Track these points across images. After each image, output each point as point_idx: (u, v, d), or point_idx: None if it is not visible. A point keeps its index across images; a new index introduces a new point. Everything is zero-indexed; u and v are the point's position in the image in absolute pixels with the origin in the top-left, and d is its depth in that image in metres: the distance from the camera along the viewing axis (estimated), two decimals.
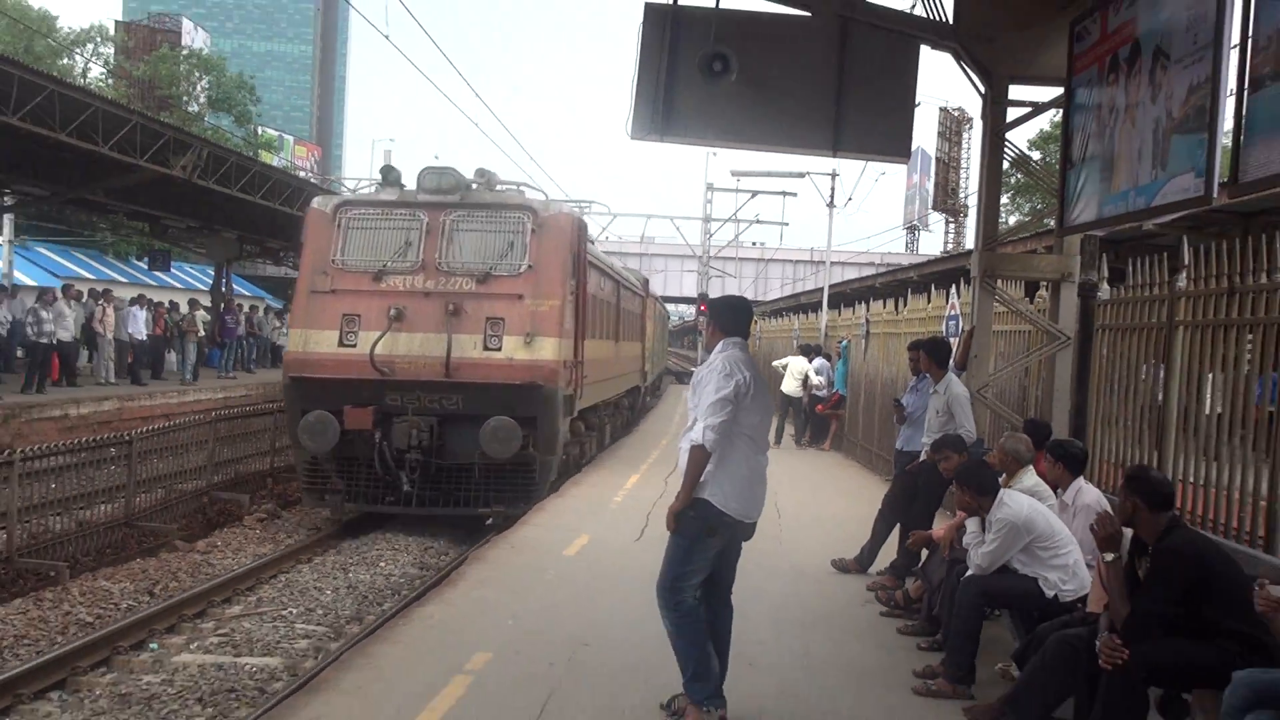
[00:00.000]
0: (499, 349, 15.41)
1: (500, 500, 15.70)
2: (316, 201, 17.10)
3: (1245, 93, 7.16)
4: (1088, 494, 8.12)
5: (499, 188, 17.25)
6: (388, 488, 15.75)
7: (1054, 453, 8.37)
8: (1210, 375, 8.69)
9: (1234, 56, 7.53)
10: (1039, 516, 7.70)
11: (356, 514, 16.45)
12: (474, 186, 16.78)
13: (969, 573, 7.96)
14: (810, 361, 25.85)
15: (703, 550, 6.65)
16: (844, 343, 25.69)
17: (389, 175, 17.26)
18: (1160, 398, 9.72)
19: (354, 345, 15.44)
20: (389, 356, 15.31)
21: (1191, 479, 8.77)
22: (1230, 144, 7.44)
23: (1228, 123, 7.65)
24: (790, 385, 25.63)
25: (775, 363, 26.88)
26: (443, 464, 15.59)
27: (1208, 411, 8.78)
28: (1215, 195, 7.97)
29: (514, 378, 15.24)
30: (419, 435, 15.06)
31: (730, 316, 7.00)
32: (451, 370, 15.24)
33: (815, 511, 15.55)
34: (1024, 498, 7.92)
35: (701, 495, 6.50)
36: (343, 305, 15.73)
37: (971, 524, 8.10)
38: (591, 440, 22.01)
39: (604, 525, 13.67)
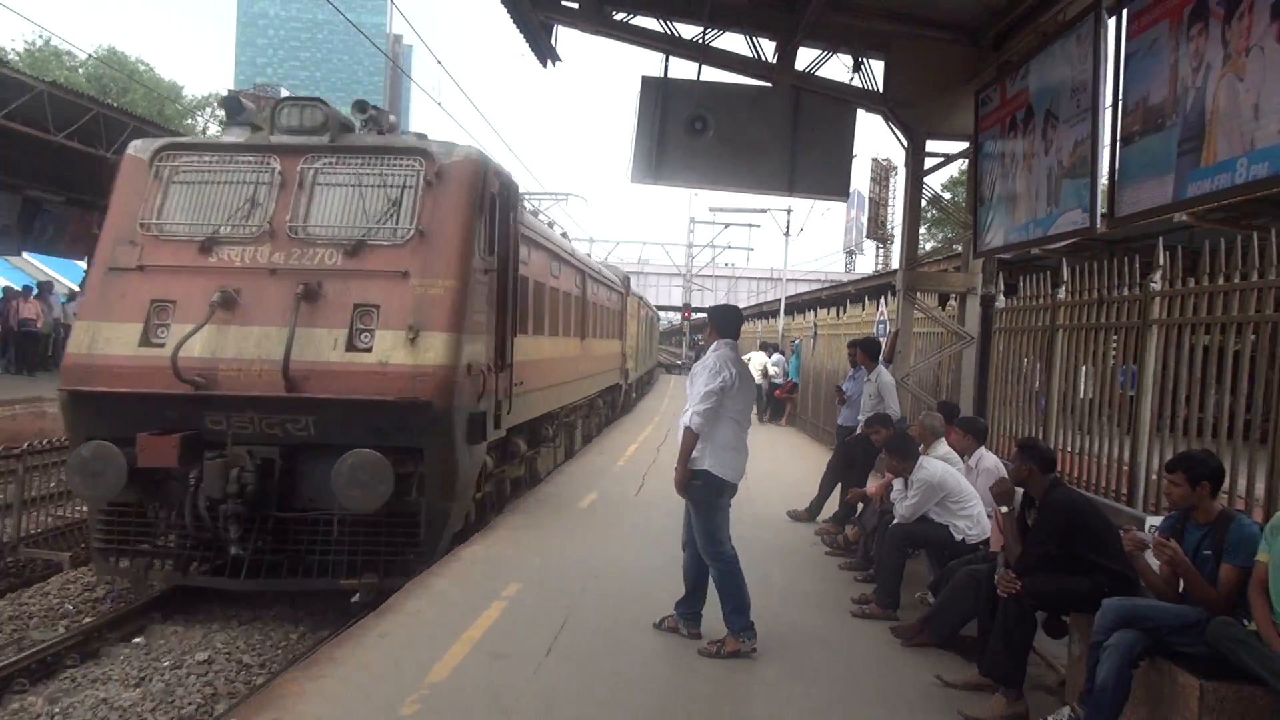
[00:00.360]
0: (369, 349, 8.68)
1: (372, 567, 8.77)
2: (134, 146, 9.77)
3: (1119, 146, 7.19)
4: (988, 459, 8.11)
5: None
6: (210, 549, 8.85)
7: (961, 427, 8.37)
8: (1083, 368, 8.67)
9: (1108, 116, 7.57)
10: (950, 477, 7.72)
11: (168, 585, 9.20)
12: (355, 127, 9.97)
13: (895, 521, 7.96)
14: (769, 356, 25.96)
15: (718, 509, 6.69)
16: (796, 342, 25.73)
17: (233, 108, 10.01)
18: (1037, 385, 9.77)
19: (163, 344, 8.68)
20: (210, 361, 8.57)
21: (1069, 448, 8.73)
22: (1106, 187, 7.47)
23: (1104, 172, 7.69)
24: (755, 376, 25.67)
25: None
26: (287, 516, 8.69)
27: (1081, 396, 8.75)
28: (1098, 226, 8.00)
29: (387, 391, 8.50)
30: (244, 477, 8.35)
31: (724, 321, 6.95)
32: (296, 381, 8.47)
33: (774, 473, 15.51)
34: (939, 463, 7.94)
35: (704, 467, 6.51)
36: (153, 288, 8.96)
37: (897, 484, 8.11)
38: (549, 452, 14.79)
39: (609, 485, 13.63)
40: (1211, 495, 5.17)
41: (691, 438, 6.47)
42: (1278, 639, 4.48)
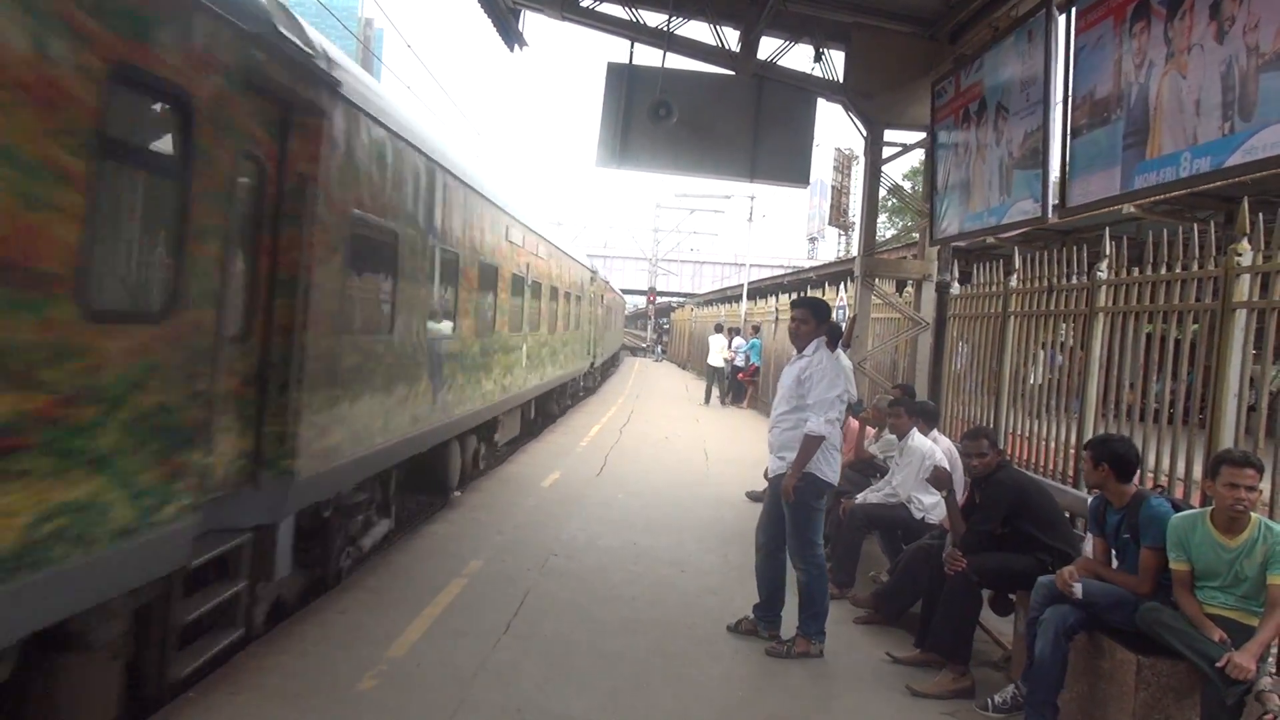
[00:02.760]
0: None
1: None
2: None
3: (1069, 139, 7.26)
4: (942, 441, 8.18)
5: None
6: None
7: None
8: (1040, 353, 8.75)
9: (1057, 111, 7.64)
10: (937, 453, 7.73)
11: None
12: None
13: (855, 502, 7.99)
14: (730, 340, 26.07)
15: (817, 512, 6.40)
16: (759, 326, 25.90)
17: None
18: (959, 366, 9.89)
19: None
20: None
21: (1018, 431, 8.81)
22: (1058, 178, 7.55)
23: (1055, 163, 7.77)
24: (714, 359, 25.84)
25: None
26: None
27: (1031, 382, 8.83)
28: (1050, 216, 8.08)
29: None
30: None
31: (824, 316, 6.66)
32: None
33: (734, 454, 15.58)
34: (926, 440, 7.95)
35: (808, 469, 6.25)
36: None
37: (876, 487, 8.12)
38: None
39: (572, 464, 13.62)
40: (1116, 479, 5.27)
41: (818, 444, 6.21)
42: (1213, 628, 4.56)
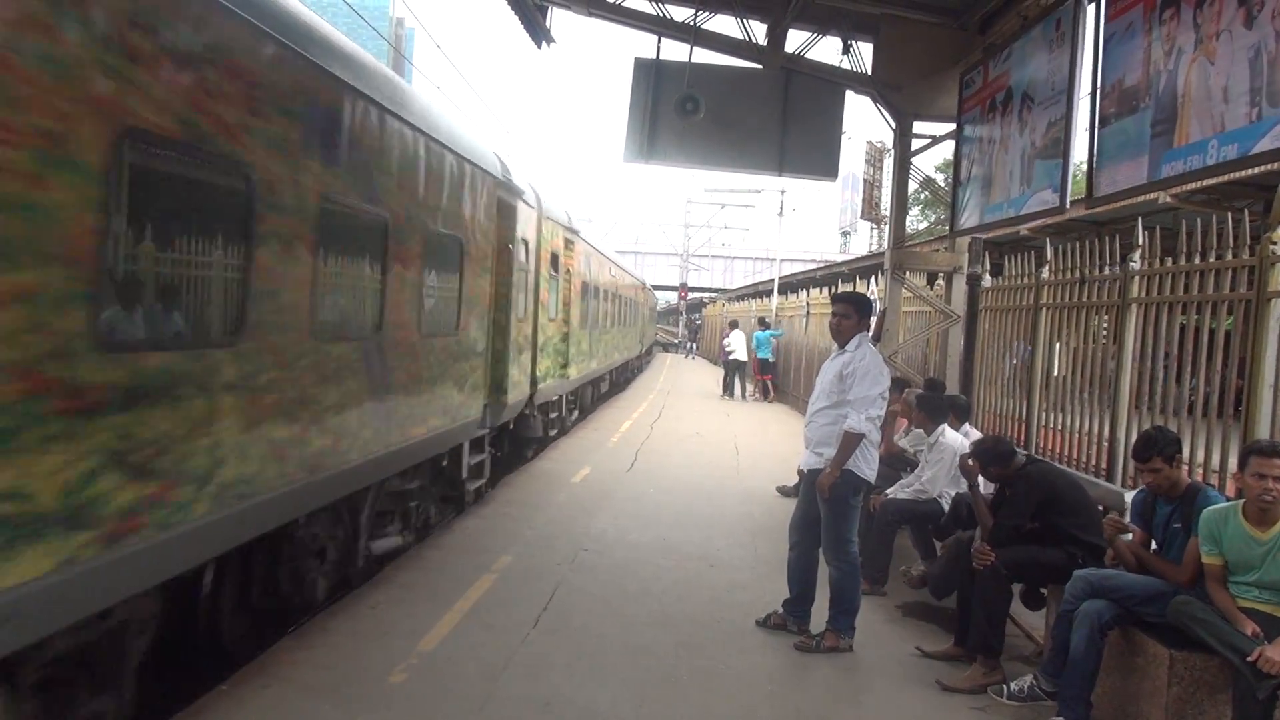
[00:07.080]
0: None
1: None
2: None
3: (1097, 128, 7.19)
4: (974, 435, 8.12)
5: None
6: None
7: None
8: (1071, 346, 8.67)
9: (1084, 102, 7.59)
10: (968, 448, 7.69)
11: None
12: None
13: (886, 497, 7.94)
14: (763, 331, 26.19)
15: (853, 509, 6.37)
16: (769, 323, 26.19)
17: None
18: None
19: None
20: None
21: (1051, 425, 8.73)
22: (1086, 168, 7.48)
23: (1077, 153, 7.71)
24: (740, 353, 25.96)
25: (725, 340, 27.22)
26: None
27: (1056, 374, 8.76)
28: (1068, 206, 8.01)
29: None
30: None
31: (865, 312, 6.53)
32: None
33: (764, 449, 15.55)
34: (958, 435, 7.89)
35: (847, 466, 6.20)
36: None
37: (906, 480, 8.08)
38: None
39: (603, 460, 13.65)
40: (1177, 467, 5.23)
41: (859, 441, 6.16)
42: (1246, 622, 4.50)
